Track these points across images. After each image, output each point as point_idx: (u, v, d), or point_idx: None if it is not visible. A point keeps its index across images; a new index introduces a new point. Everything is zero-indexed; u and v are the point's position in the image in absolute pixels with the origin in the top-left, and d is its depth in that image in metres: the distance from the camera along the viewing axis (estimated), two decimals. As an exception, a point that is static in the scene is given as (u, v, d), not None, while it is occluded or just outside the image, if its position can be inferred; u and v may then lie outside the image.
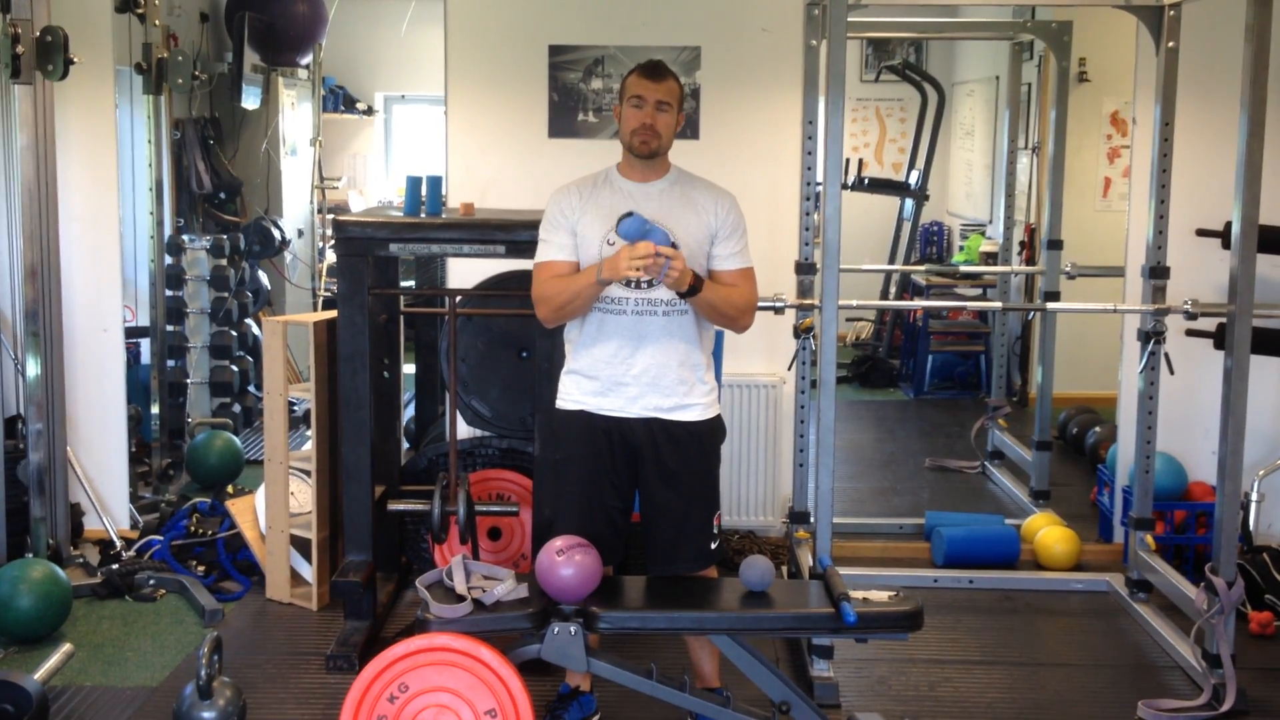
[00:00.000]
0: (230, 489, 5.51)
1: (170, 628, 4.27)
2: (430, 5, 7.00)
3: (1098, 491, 5.39)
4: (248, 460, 5.95)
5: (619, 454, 3.32)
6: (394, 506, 4.25)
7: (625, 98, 3.30)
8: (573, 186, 3.36)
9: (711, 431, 3.37)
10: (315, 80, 8.07)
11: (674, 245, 3.14)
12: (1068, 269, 5.44)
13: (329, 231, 7.76)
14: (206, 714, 3.32)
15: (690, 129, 5.00)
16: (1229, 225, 3.77)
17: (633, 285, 3.24)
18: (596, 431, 3.31)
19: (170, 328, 6.21)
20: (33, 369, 4.57)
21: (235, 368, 6.60)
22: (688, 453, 3.32)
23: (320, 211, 8.15)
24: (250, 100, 7.33)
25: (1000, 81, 7.66)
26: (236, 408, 6.61)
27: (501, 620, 3.09)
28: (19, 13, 4.35)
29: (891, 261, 8.48)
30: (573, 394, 3.36)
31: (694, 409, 3.31)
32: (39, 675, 3.57)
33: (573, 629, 3.10)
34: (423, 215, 4.09)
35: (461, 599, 3.11)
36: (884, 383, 8.28)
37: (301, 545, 4.50)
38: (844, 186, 7.28)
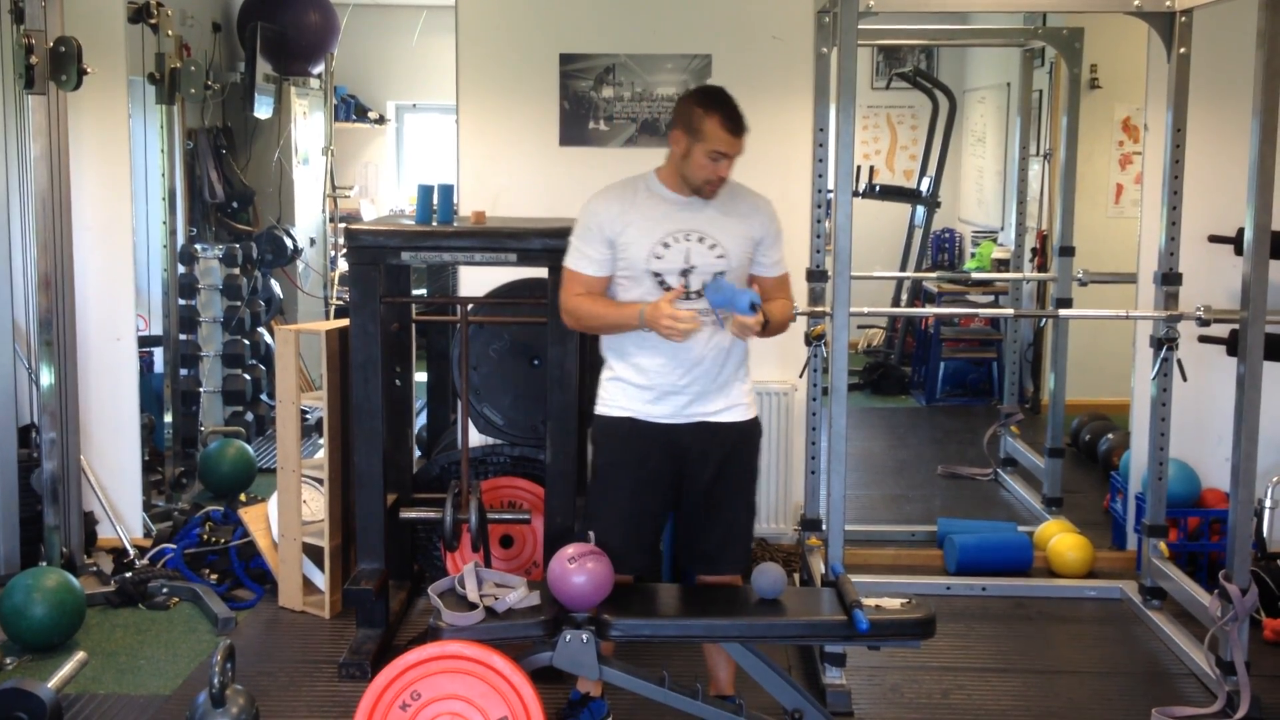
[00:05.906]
0: (243, 497, 5.51)
1: (183, 636, 4.28)
2: (442, 14, 7.01)
3: (1110, 498, 5.38)
4: (260, 468, 5.96)
5: (665, 462, 3.30)
6: (406, 514, 4.26)
7: (700, 139, 3.18)
8: (611, 195, 3.28)
9: (754, 431, 3.38)
10: (327, 89, 8.09)
11: (756, 306, 3.11)
12: (1079, 275, 5.42)
13: (341, 240, 7.78)
14: (219, 722, 3.33)
15: (701, 137, 5.00)
16: (1241, 231, 3.77)
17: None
18: (644, 439, 3.28)
19: (183, 336, 6.23)
20: (46, 378, 4.59)
21: (248, 376, 6.62)
22: (735, 453, 3.33)
23: (332, 220, 8.18)
24: (262, 110, 7.36)
25: (1011, 88, 7.67)
26: (249, 416, 6.63)
27: (514, 628, 3.10)
28: (33, 23, 4.38)
29: (903, 268, 8.47)
30: (619, 400, 3.31)
31: (738, 409, 3.32)
32: (53, 683, 3.59)
33: (585, 637, 3.10)
34: (434, 223, 4.11)
35: (474, 607, 3.11)
36: (896, 390, 8.26)
37: (314, 553, 4.51)
38: (855, 194, 7.27)
